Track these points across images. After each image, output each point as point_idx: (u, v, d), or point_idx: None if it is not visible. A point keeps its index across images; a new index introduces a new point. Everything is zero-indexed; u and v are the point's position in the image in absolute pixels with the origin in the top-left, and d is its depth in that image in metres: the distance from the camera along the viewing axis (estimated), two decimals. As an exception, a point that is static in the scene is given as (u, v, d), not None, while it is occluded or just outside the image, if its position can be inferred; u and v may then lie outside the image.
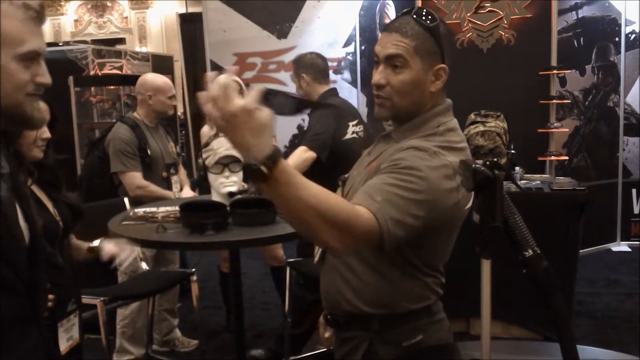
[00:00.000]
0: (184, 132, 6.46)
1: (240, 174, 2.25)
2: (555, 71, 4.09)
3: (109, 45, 6.67)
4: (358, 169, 1.40)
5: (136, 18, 10.46)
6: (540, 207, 2.92)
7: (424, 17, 1.24)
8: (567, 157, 4.40)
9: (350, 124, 2.81)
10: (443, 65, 1.26)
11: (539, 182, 3.23)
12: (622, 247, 4.72)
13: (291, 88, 4.53)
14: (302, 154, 2.59)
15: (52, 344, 1.60)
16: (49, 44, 6.79)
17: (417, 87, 1.26)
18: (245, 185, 2.31)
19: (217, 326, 3.40)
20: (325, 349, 2.87)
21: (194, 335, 3.17)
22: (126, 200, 2.79)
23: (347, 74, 4.77)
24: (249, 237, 1.96)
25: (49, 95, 1.70)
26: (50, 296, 1.61)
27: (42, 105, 1.67)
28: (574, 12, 4.46)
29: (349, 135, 2.79)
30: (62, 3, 10.50)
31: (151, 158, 2.86)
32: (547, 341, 2.82)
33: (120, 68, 5.96)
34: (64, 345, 1.65)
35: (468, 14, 4.09)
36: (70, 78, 5.11)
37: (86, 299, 1.87)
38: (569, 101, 4.46)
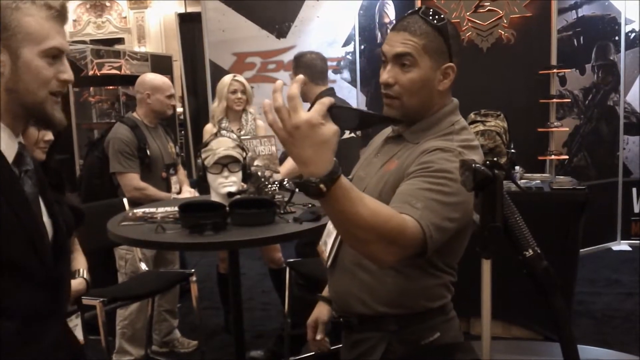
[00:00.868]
0: (183, 132, 6.45)
1: (239, 174, 2.24)
2: (555, 70, 4.09)
3: (108, 45, 6.67)
4: (366, 169, 1.38)
5: (135, 18, 10.45)
6: (541, 207, 2.92)
7: (431, 16, 1.24)
8: (567, 157, 4.39)
9: None
10: (451, 64, 1.26)
11: (539, 181, 3.23)
12: (622, 246, 4.71)
13: (290, 88, 4.50)
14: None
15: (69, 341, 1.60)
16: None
17: (426, 86, 1.25)
18: (244, 186, 2.30)
19: (217, 327, 3.40)
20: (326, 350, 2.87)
21: (194, 336, 3.16)
22: (125, 200, 2.78)
23: (346, 74, 4.76)
24: (248, 237, 1.95)
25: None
26: None
27: None
28: (573, 11, 4.46)
29: (346, 135, 2.78)
30: (61, 3, 10.49)
31: (151, 158, 2.85)
32: (547, 341, 2.82)
33: (119, 68, 5.96)
34: None
35: (467, 13, 4.08)
36: (69, 78, 5.10)
37: (85, 300, 1.87)
38: (569, 100, 4.45)
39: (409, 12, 1.29)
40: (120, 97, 5.80)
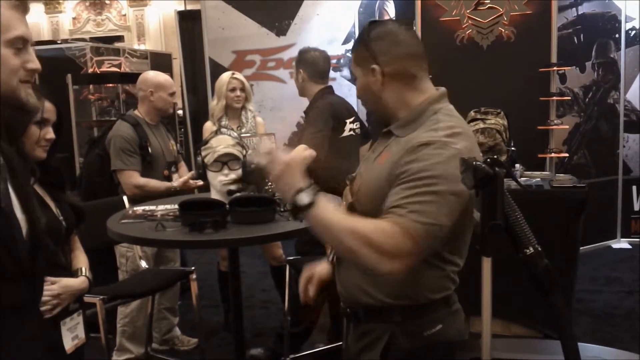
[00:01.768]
0: (182, 129, 6.44)
1: (239, 171, 2.24)
2: (555, 68, 4.08)
3: (108, 43, 6.66)
4: (364, 166, 1.45)
5: (134, 16, 10.43)
6: (541, 205, 2.91)
7: (362, 30, 1.42)
8: (567, 154, 4.38)
9: (347, 121, 2.80)
10: (374, 65, 1.36)
11: (539, 179, 3.22)
12: (622, 244, 4.71)
13: (290, 85, 4.53)
14: (301, 153, 2.58)
15: (55, 340, 1.60)
16: (47, 42, 6.79)
17: (367, 91, 1.39)
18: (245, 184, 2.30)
19: (217, 325, 3.40)
20: (326, 346, 2.87)
21: (194, 333, 3.16)
22: (125, 198, 2.78)
23: (346, 72, 4.75)
24: (248, 235, 1.95)
25: (47, 92, 1.70)
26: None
27: (49, 106, 1.68)
28: (574, 9, 4.45)
29: (346, 133, 2.78)
30: (61, 1, 10.48)
31: (152, 156, 2.85)
32: (547, 339, 2.82)
33: (119, 66, 5.95)
34: (69, 345, 1.64)
35: (468, 11, 4.07)
36: (69, 76, 5.09)
37: (86, 298, 1.86)
38: (569, 98, 4.45)
39: None
40: (120, 94, 5.78)
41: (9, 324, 1.01)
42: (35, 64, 1.03)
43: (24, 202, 1.09)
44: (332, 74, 3.10)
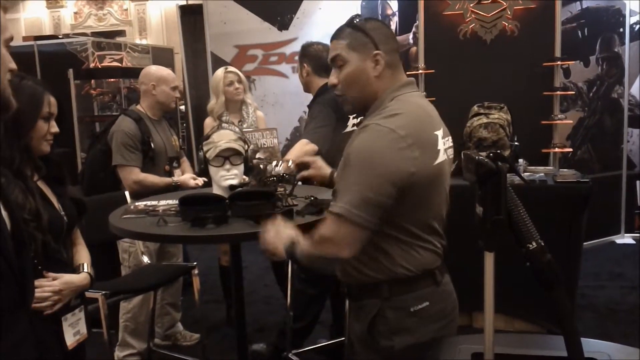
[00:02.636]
0: (184, 125, 6.44)
1: (241, 166, 2.23)
2: (559, 62, 4.05)
3: (109, 38, 6.64)
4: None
5: (136, 10, 10.42)
6: (544, 200, 2.90)
7: (352, 21, 1.48)
8: (571, 149, 4.36)
9: (350, 116, 2.79)
10: (378, 51, 1.42)
11: (542, 174, 3.21)
12: (626, 239, 4.70)
13: (293, 79, 4.51)
14: (303, 147, 2.58)
15: (56, 336, 1.60)
16: (49, 37, 6.78)
17: (360, 76, 1.44)
18: (246, 178, 2.29)
19: (219, 320, 3.40)
20: (329, 342, 2.87)
21: (196, 329, 3.16)
22: (127, 193, 2.77)
23: (348, 66, 4.74)
24: (250, 230, 1.94)
25: (48, 87, 1.70)
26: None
27: (53, 100, 1.68)
28: (577, 3, 4.42)
29: (349, 128, 2.77)
30: (62, -4, 10.46)
31: (154, 151, 2.84)
32: (550, 334, 2.81)
33: (121, 60, 5.94)
34: (71, 340, 1.64)
35: (471, 5, 4.04)
36: (70, 71, 5.09)
37: (88, 293, 1.86)
38: (573, 93, 4.43)
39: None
40: (122, 89, 5.78)
41: (1, 324, 1.00)
42: (13, 64, 1.06)
43: (4, 199, 1.08)
44: (334, 68, 3.08)
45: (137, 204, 2.33)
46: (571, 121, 4.38)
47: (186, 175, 2.93)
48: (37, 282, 1.41)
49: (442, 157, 1.41)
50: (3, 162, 1.41)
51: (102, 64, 5.72)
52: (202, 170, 2.27)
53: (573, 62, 4.31)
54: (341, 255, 1.36)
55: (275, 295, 3.64)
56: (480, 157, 1.05)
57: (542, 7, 4.02)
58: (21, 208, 1.44)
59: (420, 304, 1.41)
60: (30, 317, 1.11)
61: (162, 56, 6.63)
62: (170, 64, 6.44)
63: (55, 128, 1.69)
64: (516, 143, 3.28)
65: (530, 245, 1.11)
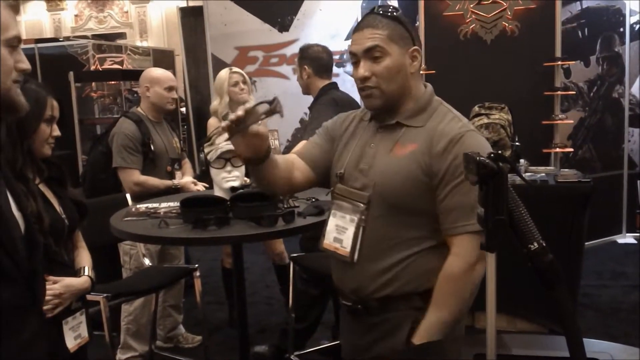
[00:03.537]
0: (185, 126, 6.45)
1: (242, 168, 2.24)
2: (559, 62, 4.05)
3: (110, 40, 6.65)
4: (365, 161, 1.41)
5: (136, 12, 10.42)
6: (545, 200, 2.90)
7: (388, 11, 1.39)
8: (572, 149, 4.36)
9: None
10: (416, 47, 1.37)
11: (543, 174, 3.21)
12: (627, 239, 4.69)
13: (293, 81, 4.50)
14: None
15: (58, 340, 1.60)
16: (50, 40, 6.78)
17: (400, 70, 1.36)
18: (248, 180, 2.29)
19: (221, 322, 3.40)
20: (331, 343, 2.87)
21: (198, 331, 3.16)
22: (128, 196, 2.78)
23: (349, 67, 4.74)
24: (252, 232, 1.94)
25: (50, 90, 1.71)
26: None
27: (54, 103, 1.68)
28: (578, 3, 4.42)
29: None
30: (63, -2, 10.47)
31: (155, 153, 2.84)
32: (552, 334, 2.81)
33: (121, 63, 5.94)
34: (72, 344, 1.64)
35: (471, 5, 4.04)
36: (71, 73, 5.09)
37: (89, 296, 1.86)
38: (574, 92, 4.42)
39: (366, 14, 1.43)
40: (123, 92, 5.78)
41: (12, 324, 1.00)
42: (26, 64, 1.04)
43: (18, 199, 1.09)
44: (335, 69, 3.09)
45: (138, 206, 2.34)
46: (572, 121, 4.37)
47: (187, 179, 2.93)
48: None
49: None
50: (5, 165, 1.41)
51: (103, 67, 5.72)
52: (204, 172, 2.27)
53: (573, 62, 4.30)
54: (483, 272, 1.22)
55: (276, 296, 3.64)
56: (482, 158, 1.05)
57: (543, 7, 4.02)
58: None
59: None
60: (41, 317, 1.11)
61: (162, 58, 6.63)
62: (171, 66, 6.45)
63: (57, 131, 1.69)
64: (517, 143, 3.28)
65: (532, 246, 1.11)
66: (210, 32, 4.80)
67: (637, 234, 4.70)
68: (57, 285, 1.61)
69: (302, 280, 2.74)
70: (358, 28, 1.39)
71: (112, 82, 5.80)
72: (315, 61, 2.79)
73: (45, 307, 1.55)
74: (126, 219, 2.17)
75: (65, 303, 1.63)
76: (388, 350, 1.39)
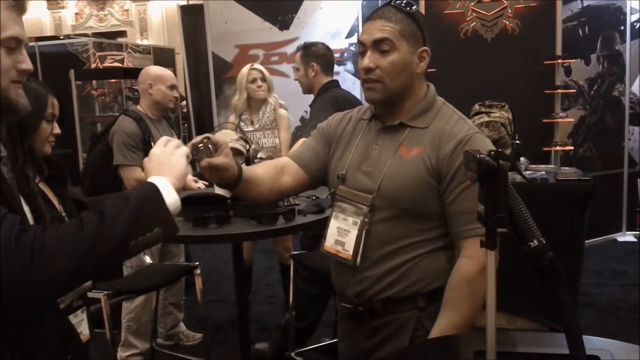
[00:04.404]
0: (186, 125, 6.45)
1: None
2: (560, 60, 4.05)
3: (110, 38, 6.66)
4: (368, 162, 1.38)
5: (137, 10, 10.43)
6: (545, 198, 2.90)
7: (403, 5, 1.33)
8: (572, 147, 4.36)
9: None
10: (426, 48, 1.34)
11: (544, 172, 3.21)
12: (627, 237, 4.69)
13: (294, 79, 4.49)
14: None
15: (71, 334, 1.60)
16: (50, 38, 6.78)
17: (406, 68, 1.32)
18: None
19: (221, 320, 3.41)
20: (332, 341, 2.87)
21: (198, 329, 3.17)
22: (129, 193, 2.78)
23: (349, 65, 4.74)
24: (252, 230, 1.95)
25: (50, 88, 1.71)
26: None
27: (54, 101, 1.68)
28: (578, 1, 4.41)
29: None
30: (63, -3, 10.47)
31: (155, 151, 2.84)
32: (552, 332, 2.81)
33: (122, 61, 5.95)
34: None
35: (472, 4, 4.05)
36: (71, 71, 5.10)
37: (90, 293, 1.87)
38: (574, 91, 4.42)
39: (382, 4, 1.38)
40: (123, 90, 5.79)
41: (31, 323, 1.02)
42: (27, 65, 1.03)
43: (26, 196, 1.09)
44: (335, 67, 3.09)
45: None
46: (572, 119, 4.38)
47: (188, 177, 2.93)
48: None
49: None
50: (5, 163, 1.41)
51: (104, 65, 5.73)
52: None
53: (574, 60, 4.30)
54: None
55: (278, 295, 3.64)
56: (482, 155, 1.05)
57: (543, 6, 4.02)
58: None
59: None
60: (60, 314, 1.12)
61: (163, 56, 6.64)
62: (171, 64, 6.45)
63: (57, 129, 1.70)
64: (517, 141, 3.28)
65: (532, 243, 1.11)
66: (210, 31, 4.80)
67: (637, 233, 4.70)
68: None
69: (303, 279, 2.74)
70: (371, 18, 1.35)
71: (113, 80, 5.81)
72: (323, 58, 2.79)
73: None
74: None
75: (66, 301, 1.64)
76: (392, 352, 1.37)
